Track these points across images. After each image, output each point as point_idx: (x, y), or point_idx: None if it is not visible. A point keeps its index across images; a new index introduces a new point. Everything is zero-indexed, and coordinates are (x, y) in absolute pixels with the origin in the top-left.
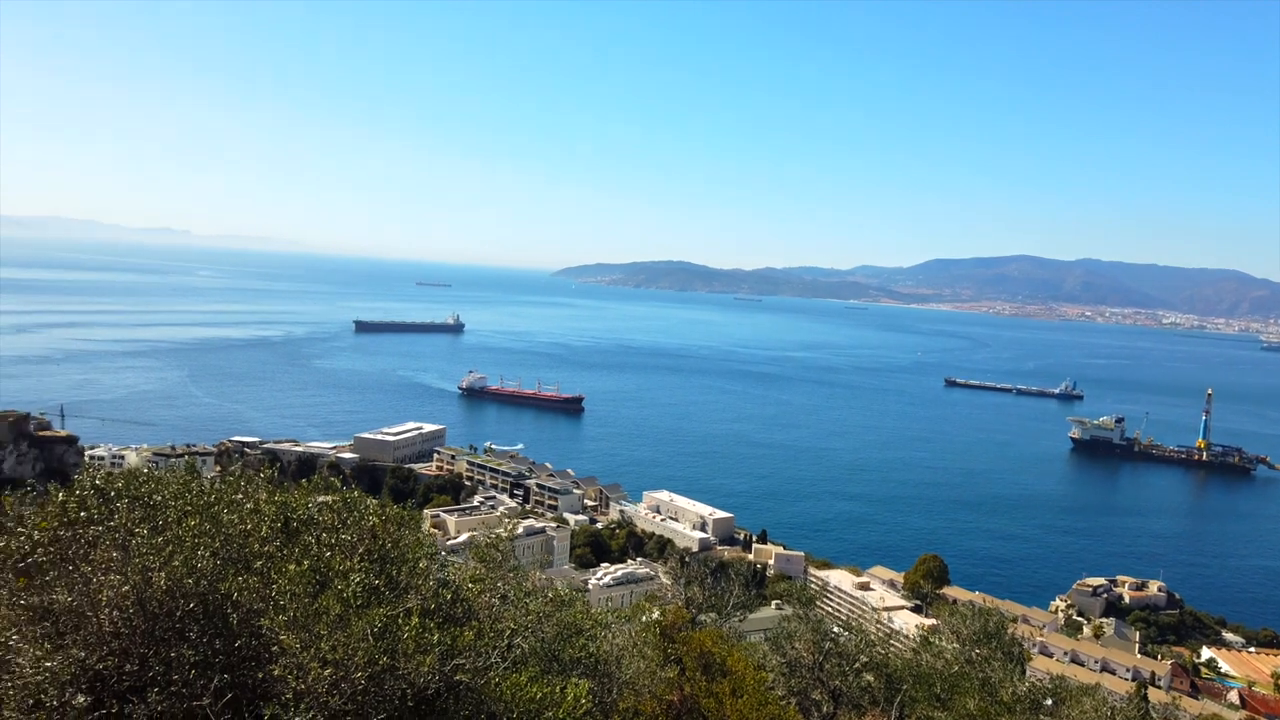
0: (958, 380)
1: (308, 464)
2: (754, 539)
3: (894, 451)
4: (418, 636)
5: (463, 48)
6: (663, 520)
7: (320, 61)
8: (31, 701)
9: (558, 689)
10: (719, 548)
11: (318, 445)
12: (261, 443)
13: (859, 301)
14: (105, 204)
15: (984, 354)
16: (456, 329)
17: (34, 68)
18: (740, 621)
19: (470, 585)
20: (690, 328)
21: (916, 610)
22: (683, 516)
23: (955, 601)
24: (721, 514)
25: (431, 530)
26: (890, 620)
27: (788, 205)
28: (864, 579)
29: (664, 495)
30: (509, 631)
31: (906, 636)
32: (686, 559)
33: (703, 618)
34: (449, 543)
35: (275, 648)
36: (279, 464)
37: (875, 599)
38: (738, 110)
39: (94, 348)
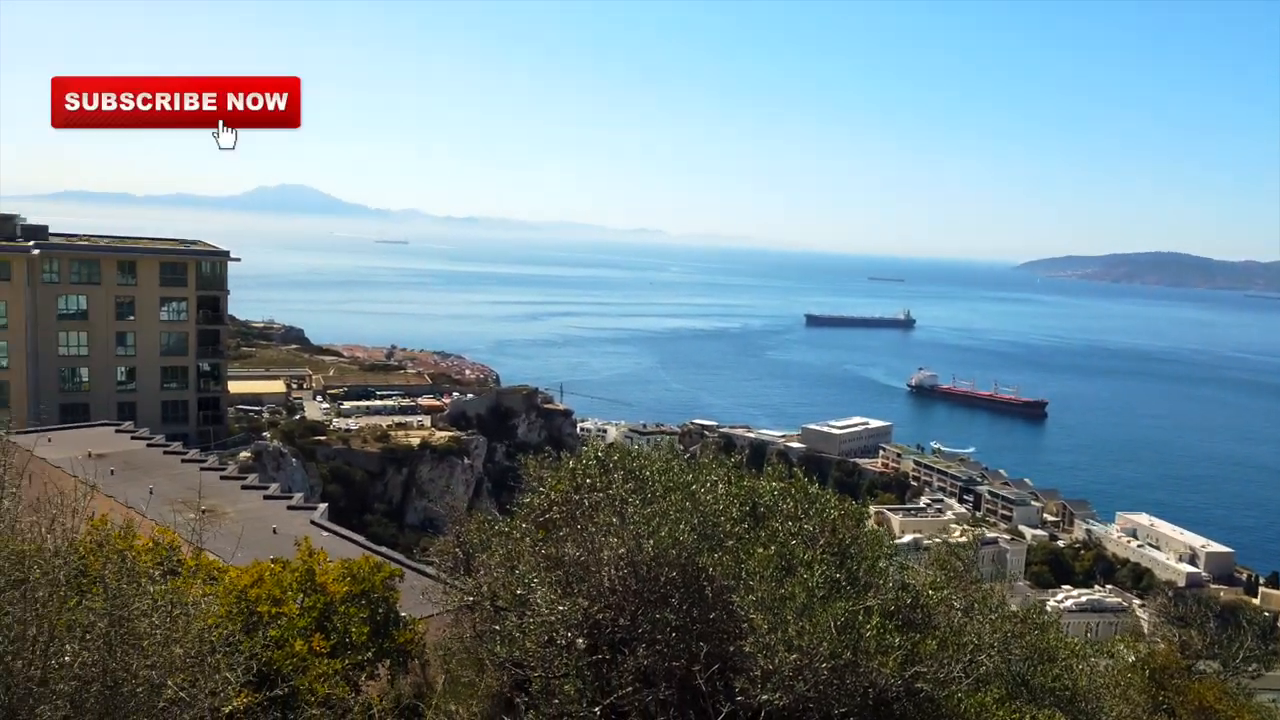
0: None
1: (758, 450)
2: (1261, 581)
3: None
4: (879, 636)
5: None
6: (1140, 546)
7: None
8: (545, 638)
9: (1028, 718)
10: (1213, 586)
11: (768, 433)
12: (719, 426)
13: None
14: (598, 209)
15: None
16: (907, 324)
17: (567, 103)
18: (1253, 678)
19: (930, 592)
20: (1181, 329)
21: None
22: (1166, 545)
23: None
24: (1217, 547)
25: (874, 526)
26: None
27: None
28: None
29: (1143, 519)
30: (972, 646)
31: None
32: (1173, 594)
33: (1201, 666)
34: (893, 542)
35: (745, 625)
36: (734, 447)
37: None
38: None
39: (585, 334)
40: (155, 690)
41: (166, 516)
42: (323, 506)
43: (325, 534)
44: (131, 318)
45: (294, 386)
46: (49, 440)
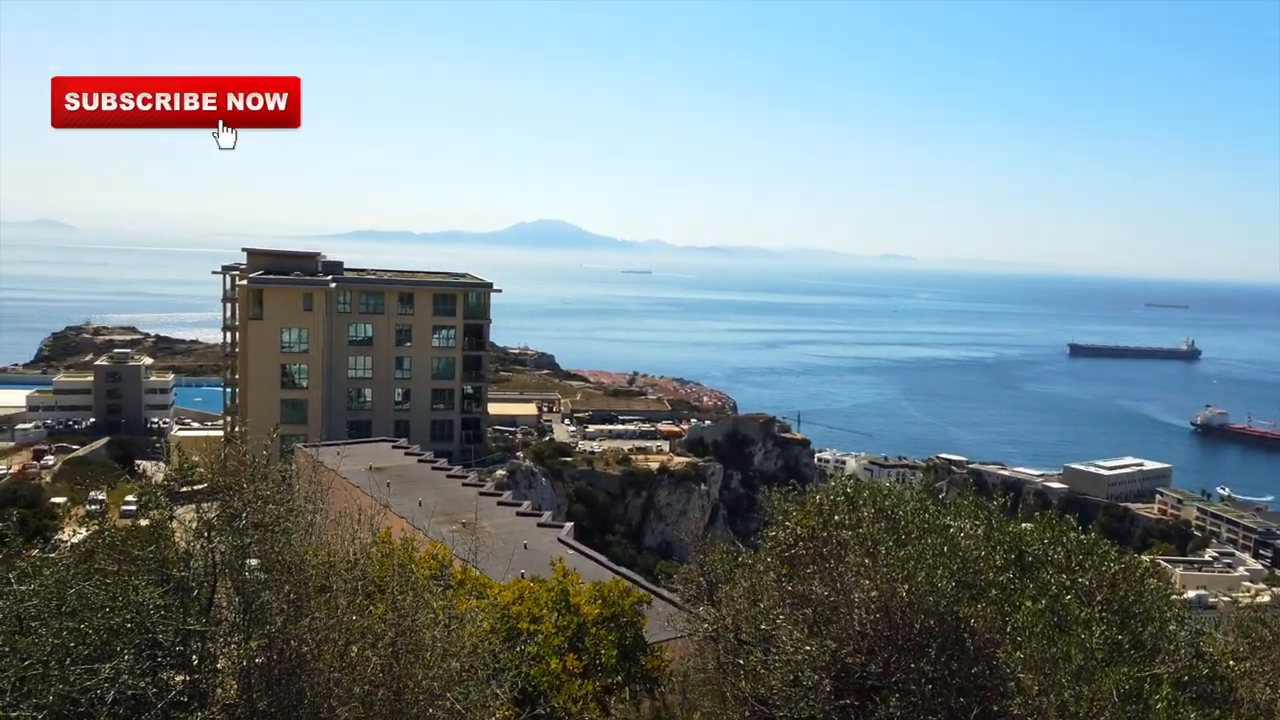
0: None
1: (1013, 489)
2: None
3: None
4: (1170, 710)
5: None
6: None
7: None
8: (791, 677)
9: None
10: None
11: (1024, 471)
12: (968, 462)
13: None
14: (841, 235)
15: None
16: (1190, 356)
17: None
18: None
19: (1232, 663)
20: None
21: None
22: None
23: None
24: None
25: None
26: None
27: None
28: None
29: None
30: None
31: None
32: None
33: None
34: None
35: (1011, 684)
36: (985, 485)
37: None
38: None
39: (825, 363)
40: (433, 700)
41: (435, 528)
42: (568, 525)
43: (571, 552)
44: (408, 344)
45: (545, 409)
46: (337, 453)
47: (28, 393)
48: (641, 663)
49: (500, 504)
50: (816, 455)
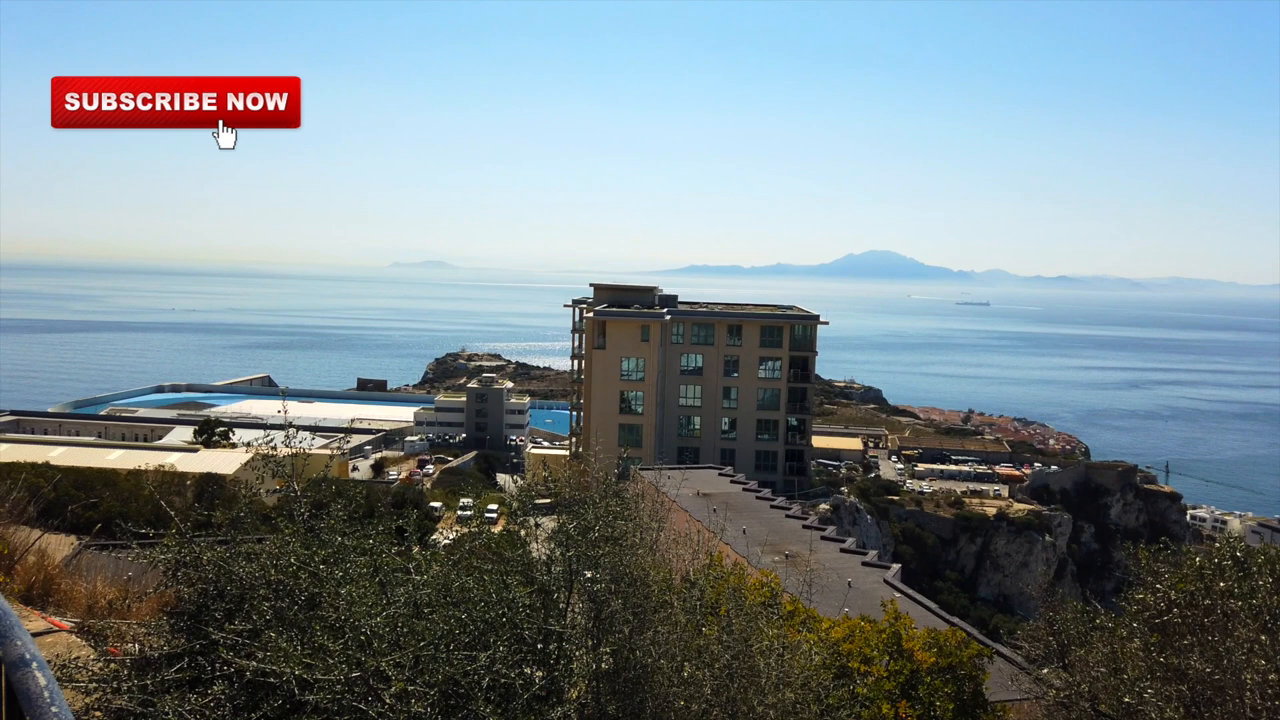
0: None
1: None
2: None
3: None
4: None
5: None
6: None
7: None
8: None
9: None
10: None
11: None
12: None
13: None
14: (1223, 262)
15: None
16: None
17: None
18: None
19: None
20: None
21: None
22: None
23: None
24: None
25: None
26: None
27: None
28: None
29: None
30: None
31: None
32: None
33: None
34: None
35: None
36: None
37: None
38: None
39: (1202, 406)
40: None
41: (758, 557)
42: (895, 567)
43: (898, 595)
44: (735, 375)
45: (870, 445)
46: (668, 477)
47: (415, 410)
48: None
49: (823, 538)
50: (1189, 512)
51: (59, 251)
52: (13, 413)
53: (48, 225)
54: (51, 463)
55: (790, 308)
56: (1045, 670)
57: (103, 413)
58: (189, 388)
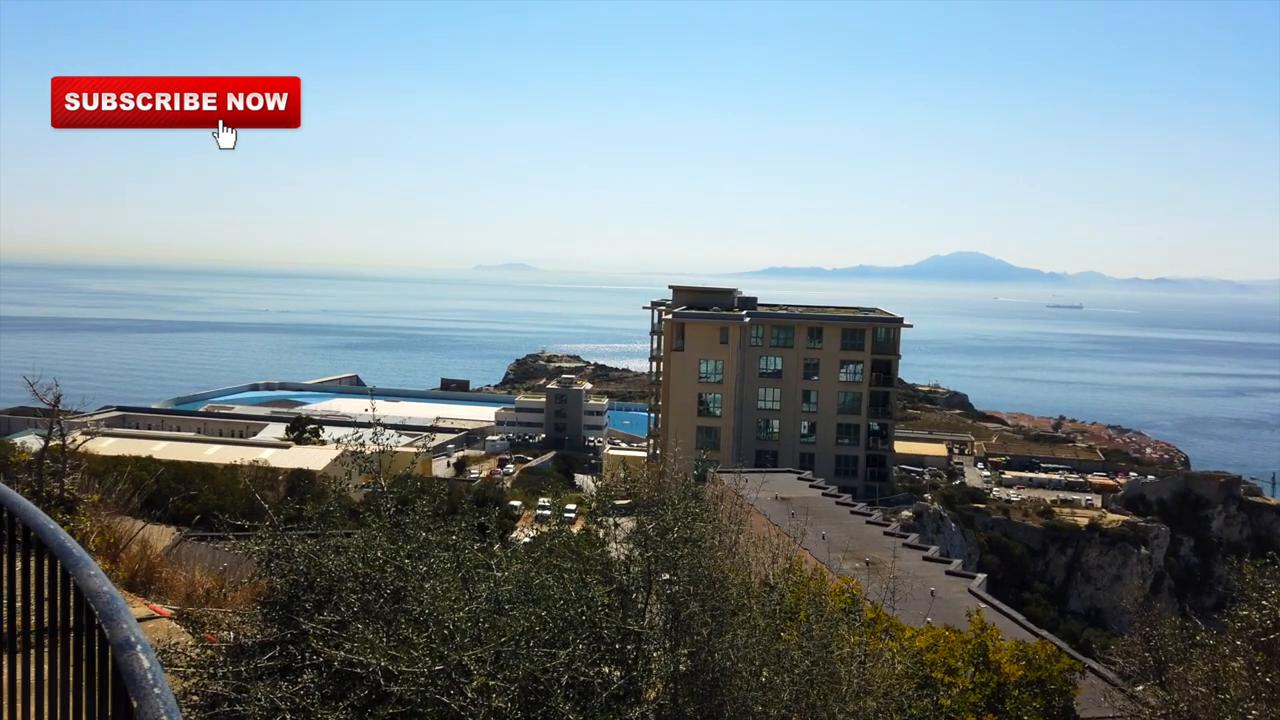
0: None
1: None
2: None
3: None
4: None
5: None
6: None
7: None
8: None
9: None
10: None
11: None
12: None
13: None
14: None
15: None
16: None
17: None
18: None
19: None
20: None
21: None
22: None
23: None
24: None
25: None
26: None
27: None
28: None
29: None
30: None
31: None
32: None
33: None
34: None
35: None
36: None
37: None
38: None
39: None
40: None
41: (838, 563)
42: (981, 577)
43: (984, 606)
44: (815, 378)
45: (955, 451)
46: (745, 481)
47: (496, 410)
48: None
49: (906, 545)
50: None
51: (123, 252)
52: (119, 409)
53: (116, 225)
54: (154, 457)
55: (873, 310)
56: (1140, 688)
57: (202, 409)
58: (281, 386)
